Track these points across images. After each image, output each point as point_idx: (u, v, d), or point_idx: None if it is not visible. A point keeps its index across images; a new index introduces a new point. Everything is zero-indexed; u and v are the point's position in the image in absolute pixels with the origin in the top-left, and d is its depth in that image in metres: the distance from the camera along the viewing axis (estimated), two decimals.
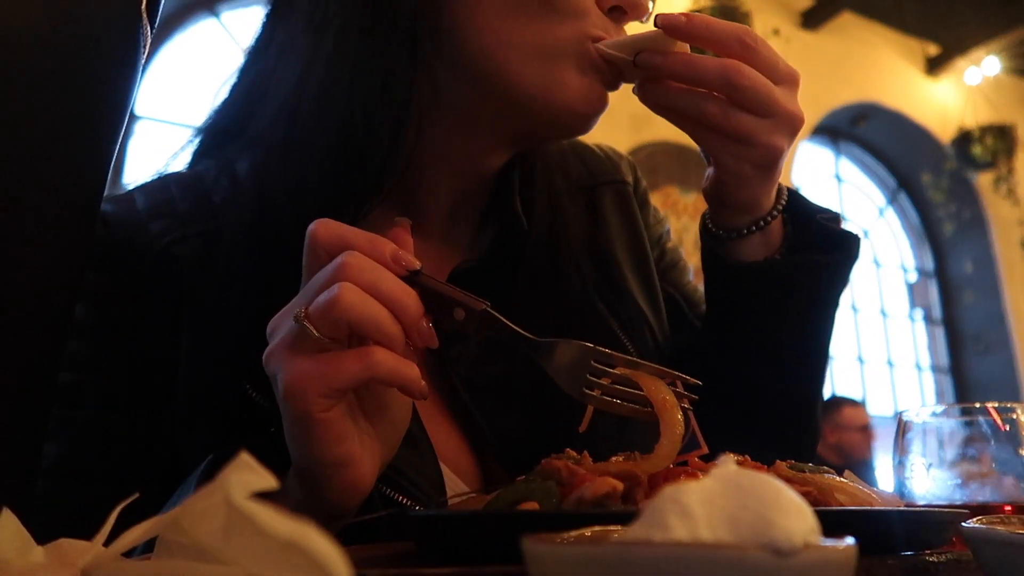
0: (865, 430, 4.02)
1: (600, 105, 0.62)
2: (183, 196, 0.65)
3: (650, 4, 0.65)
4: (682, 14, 0.58)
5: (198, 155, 0.71)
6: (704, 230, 0.69)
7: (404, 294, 0.44)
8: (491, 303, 0.47)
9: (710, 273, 0.70)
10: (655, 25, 0.59)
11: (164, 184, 0.67)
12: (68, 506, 0.57)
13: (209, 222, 0.63)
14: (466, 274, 0.67)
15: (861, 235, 0.69)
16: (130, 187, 0.68)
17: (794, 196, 0.69)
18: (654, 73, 0.59)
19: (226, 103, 0.70)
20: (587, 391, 0.47)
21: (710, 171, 0.66)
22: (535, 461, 0.45)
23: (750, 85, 0.57)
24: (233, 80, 0.70)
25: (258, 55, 0.69)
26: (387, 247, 0.46)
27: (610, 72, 0.61)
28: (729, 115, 0.58)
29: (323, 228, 0.46)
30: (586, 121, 0.63)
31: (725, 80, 0.57)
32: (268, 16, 0.69)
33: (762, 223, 0.66)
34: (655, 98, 0.61)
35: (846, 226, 0.69)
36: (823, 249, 0.67)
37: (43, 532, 0.31)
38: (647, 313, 0.75)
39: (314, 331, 0.43)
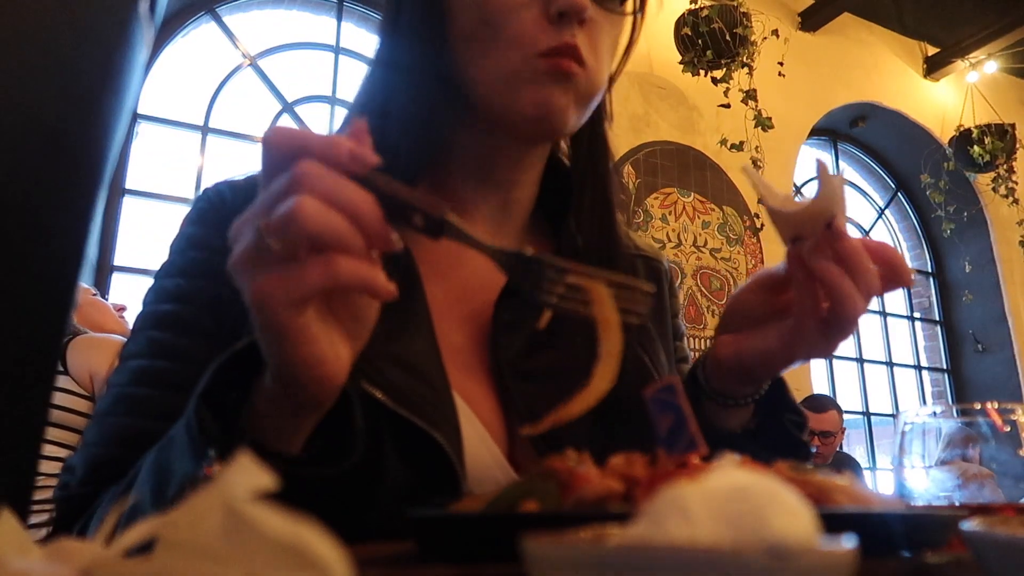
0: (826, 437, 3.59)
1: (550, 105, 0.68)
2: None
3: (588, 2, 0.68)
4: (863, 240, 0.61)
5: None
6: (696, 386, 0.73)
7: (362, 201, 0.44)
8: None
9: None
10: (829, 224, 0.60)
11: None
12: (163, 413, 0.64)
13: None
14: None
15: (810, 450, 0.75)
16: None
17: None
18: (813, 265, 0.62)
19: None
20: (544, 297, 0.49)
21: (751, 342, 0.69)
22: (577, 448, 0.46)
23: (877, 295, 0.62)
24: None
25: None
26: (343, 146, 0.45)
27: (561, 73, 0.67)
28: (861, 314, 0.63)
29: (277, 134, 0.45)
30: (540, 124, 0.69)
31: (871, 290, 0.61)
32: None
33: (755, 397, 0.72)
34: (818, 268, 0.63)
35: (803, 432, 0.74)
36: (784, 449, 0.73)
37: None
38: (668, 370, 0.81)
39: (274, 244, 0.43)
